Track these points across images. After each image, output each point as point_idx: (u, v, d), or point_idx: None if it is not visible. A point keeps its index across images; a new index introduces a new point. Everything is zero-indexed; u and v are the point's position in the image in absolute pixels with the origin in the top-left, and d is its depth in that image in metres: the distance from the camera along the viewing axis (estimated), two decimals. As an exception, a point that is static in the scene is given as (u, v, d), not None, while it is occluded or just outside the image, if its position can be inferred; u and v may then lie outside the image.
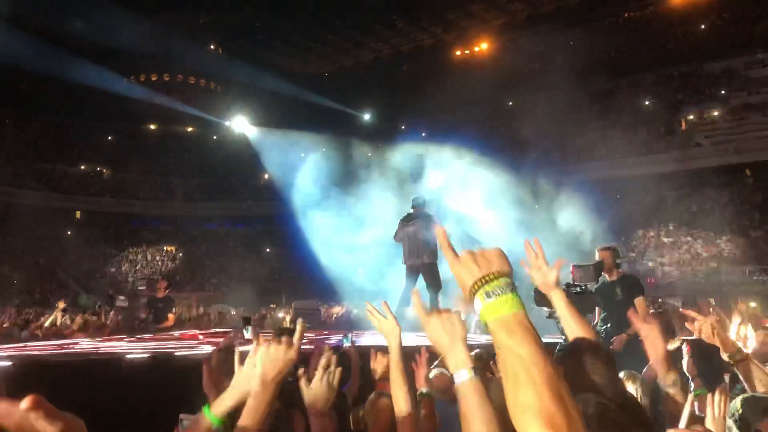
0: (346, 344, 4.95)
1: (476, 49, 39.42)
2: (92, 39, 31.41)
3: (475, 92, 39.59)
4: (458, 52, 40.04)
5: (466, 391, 1.65)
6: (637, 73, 36.28)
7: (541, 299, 6.07)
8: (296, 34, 39.03)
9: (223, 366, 4.44)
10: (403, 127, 42.97)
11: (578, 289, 5.55)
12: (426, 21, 38.25)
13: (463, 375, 1.67)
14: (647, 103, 35.96)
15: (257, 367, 2.01)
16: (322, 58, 43.05)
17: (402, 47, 41.18)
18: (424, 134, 42.24)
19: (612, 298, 6.07)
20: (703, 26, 34.31)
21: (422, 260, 8.50)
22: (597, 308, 6.20)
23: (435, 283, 8.51)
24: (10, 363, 4.28)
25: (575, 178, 34.13)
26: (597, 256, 6.19)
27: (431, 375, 4.31)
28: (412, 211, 8.72)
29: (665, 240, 30.48)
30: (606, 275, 6.17)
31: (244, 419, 1.95)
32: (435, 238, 6.20)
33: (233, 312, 23.92)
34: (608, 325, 6.06)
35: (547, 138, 36.69)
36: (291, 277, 36.71)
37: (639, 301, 5.97)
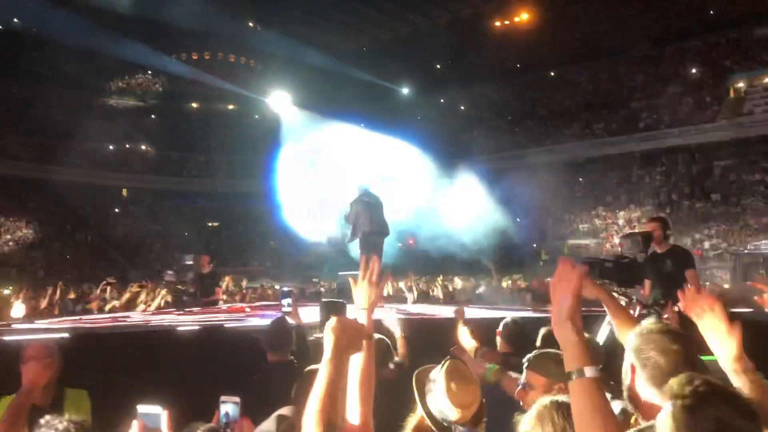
0: (389, 320, 4.91)
1: (516, 19, 38.62)
2: (136, 17, 31.74)
3: (515, 62, 39.00)
4: (497, 23, 39.31)
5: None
6: (684, 40, 35.10)
7: (589, 270, 5.95)
8: (334, 9, 38.81)
9: None
10: (442, 101, 42.62)
11: (626, 260, 5.44)
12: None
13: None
14: (694, 71, 34.85)
15: (328, 338, 1.99)
16: (359, 33, 42.74)
17: (440, 19, 40.63)
18: (462, 108, 41.90)
19: (662, 271, 5.91)
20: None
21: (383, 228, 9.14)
22: (646, 281, 6.05)
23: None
24: (66, 335, 4.43)
25: (621, 149, 33.54)
26: (645, 227, 6.05)
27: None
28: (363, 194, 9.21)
29: (713, 211, 29.70)
30: (655, 247, 6.02)
31: (316, 391, 1.91)
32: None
33: (277, 287, 24.31)
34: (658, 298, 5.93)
35: (590, 108, 36.02)
36: (332, 251, 36.95)
37: (690, 273, 5.81)
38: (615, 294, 5.50)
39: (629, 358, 2.03)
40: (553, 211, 33.71)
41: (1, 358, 3.74)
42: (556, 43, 36.17)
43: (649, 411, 1.92)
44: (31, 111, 37.33)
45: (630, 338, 2.08)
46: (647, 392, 1.94)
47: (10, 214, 35.88)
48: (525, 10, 37.51)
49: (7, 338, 4.33)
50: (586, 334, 3.14)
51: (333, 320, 2.03)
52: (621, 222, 30.52)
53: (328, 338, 1.99)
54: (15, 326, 5.47)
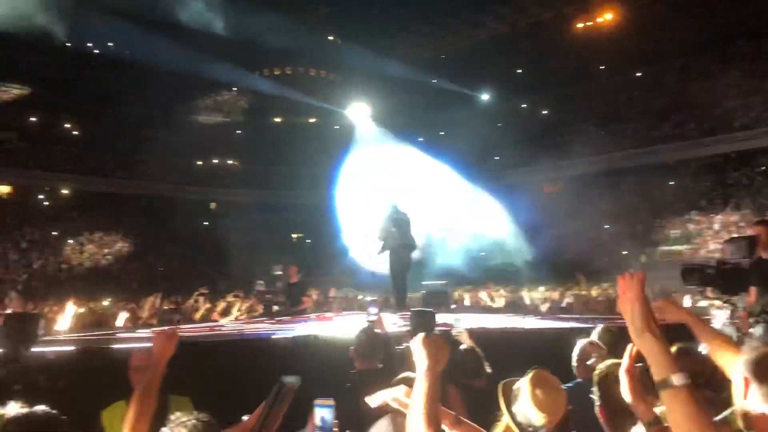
0: (457, 331, 4.84)
1: (599, 19, 37.64)
2: (222, 38, 32.98)
3: (600, 64, 38.00)
4: (580, 24, 38.42)
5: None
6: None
7: (689, 277, 5.71)
8: (412, 19, 39.02)
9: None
10: (523, 106, 42.04)
11: (729, 266, 5.15)
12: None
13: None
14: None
15: (421, 358, 2.10)
16: (438, 41, 42.78)
17: (520, 23, 40.14)
18: (545, 112, 41.19)
19: (770, 277, 5.58)
20: None
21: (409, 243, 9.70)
22: (752, 288, 5.72)
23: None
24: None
25: (715, 150, 32.05)
26: (751, 231, 5.74)
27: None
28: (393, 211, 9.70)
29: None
30: (762, 252, 5.70)
31: (416, 405, 2.02)
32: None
33: (360, 296, 24.54)
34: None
35: (680, 109, 34.64)
36: (416, 261, 36.93)
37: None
38: (718, 301, 5.24)
39: (742, 371, 1.91)
40: (643, 216, 32.53)
41: (111, 366, 3.93)
42: (642, 42, 34.91)
43: (764, 427, 1.82)
44: (123, 130, 39.34)
45: (747, 350, 1.96)
46: (764, 408, 1.82)
47: (107, 228, 37.86)
48: (609, 10, 36.47)
49: (115, 346, 4.55)
50: (681, 344, 2.99)
51: (421, 336, 2.17)
52: (717, 227, 29.05)
53: (419, 352, 2.12)
54: (120, 335, 5.75)
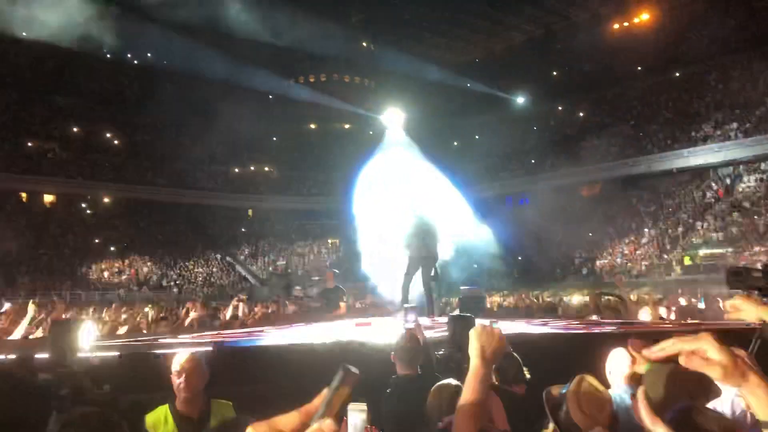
0: None
1: (636, 20, 37.09)
2: (257, 45, 33.39)
3: (637, 65, 37.43)
4: (616, 25, 37.92)
5: None
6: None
7: (734, 279, 5.48)
8: (444, 24, 39.01)
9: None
10: (560, 108, 41.65)
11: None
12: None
13: None
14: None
15: (474, 344, 2.04)
16: (472, 45, 42.68)
17: (555, 25, 39.82)
18: (581, 114, 40.72)
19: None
20: None
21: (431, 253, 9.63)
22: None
23: (435, 275, 9.82)
24: (210, 348, 4.68)
25: (758, 150, 31.24)
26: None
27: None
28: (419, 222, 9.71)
29: None
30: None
31: (467, 396, 1.96)
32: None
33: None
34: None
35: (720, 109, 33.90)
36: (447, 265, 36.77)
37: None
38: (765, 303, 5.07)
39: None
40: (684, 218, 31.88)
41: (153, 371, 3.99)
42: (681, 43, 34.30)
43: None
44: (163, 139, 40.06)
45: None
46: None
47: (148, 235, 38.57)
48: (645, 10, 35.91)
49: (157, 351, 4.62)
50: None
51: (478, 327, 2.09)
52: (761, 229, 28.26)
53: (474, 345, 2.04)
54: (162, 340, 5.85)
